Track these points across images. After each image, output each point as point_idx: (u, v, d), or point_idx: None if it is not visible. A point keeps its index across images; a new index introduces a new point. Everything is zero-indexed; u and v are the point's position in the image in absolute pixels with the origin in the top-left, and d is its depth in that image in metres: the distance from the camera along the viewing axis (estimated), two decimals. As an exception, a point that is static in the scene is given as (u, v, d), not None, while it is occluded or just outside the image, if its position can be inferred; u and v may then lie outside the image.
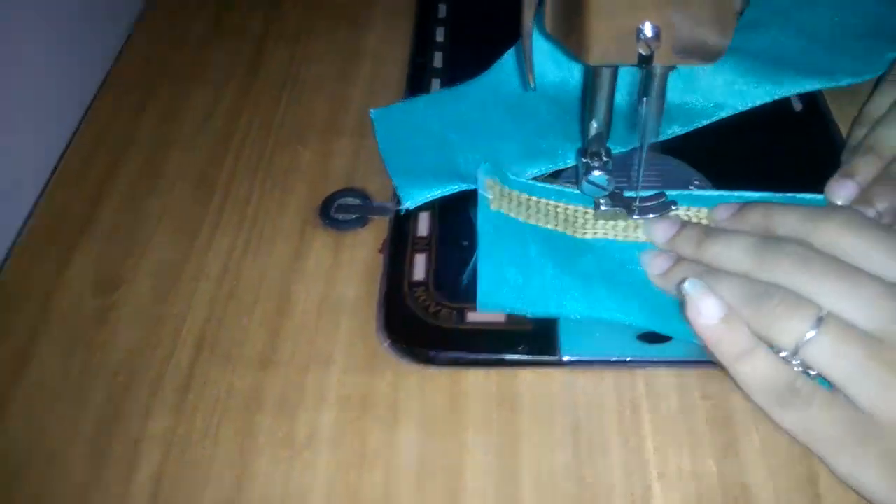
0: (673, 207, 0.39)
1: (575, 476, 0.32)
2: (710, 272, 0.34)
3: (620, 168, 0.38)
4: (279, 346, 0.37)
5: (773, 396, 0.31)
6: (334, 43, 0.54)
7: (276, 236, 0.42)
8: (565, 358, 0.35)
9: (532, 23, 0.32)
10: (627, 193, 0.39)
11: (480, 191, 0.39)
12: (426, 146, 0.45)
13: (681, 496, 0.31)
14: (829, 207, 0.37)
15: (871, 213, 0.36)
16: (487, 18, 0.52)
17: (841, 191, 0.38)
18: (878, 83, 0.44)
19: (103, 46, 0.56)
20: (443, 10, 0.55)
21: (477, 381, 0.35)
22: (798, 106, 0.45)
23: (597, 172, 0.36)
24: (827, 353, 0.30)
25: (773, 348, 0.32)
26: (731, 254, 0.34)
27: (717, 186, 0.41)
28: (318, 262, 0.41)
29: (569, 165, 0.43)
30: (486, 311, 0.36)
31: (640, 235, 0.39)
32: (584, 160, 0.37)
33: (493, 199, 0.39)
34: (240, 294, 0.39)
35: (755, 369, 0.31)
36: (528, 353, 0.35)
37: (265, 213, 0.43)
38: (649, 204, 0.39)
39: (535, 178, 0.42)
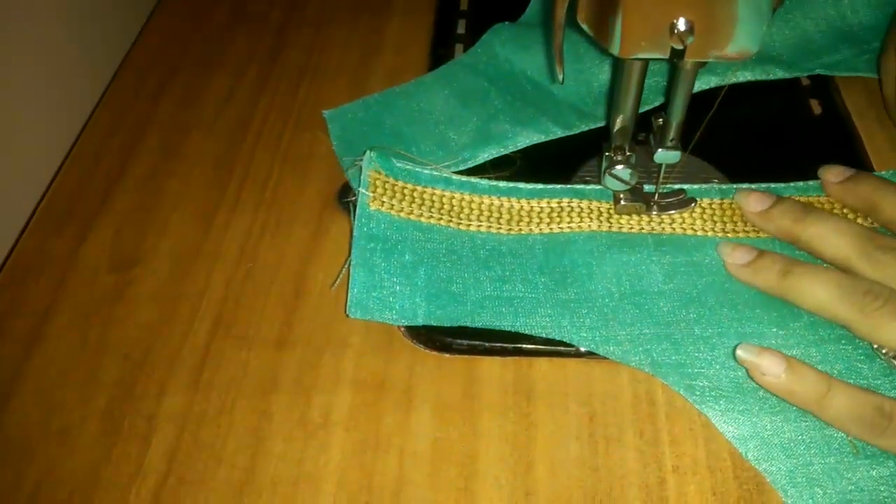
0: (692, 205, 0.39)
1: (589, 466, 0.32)
2: (803, 264, 0.34)
3: (639, 163, 0.38)
4: (295, 327, 0.37)
5: (867, 427, 0.30)
6: (355, 32, 0.54)
7: (294, 220, 0.42)
8: (582, 348, 0.35)
9: (564, 14, 0.32)
10: (647, 189, 0.39)
11: (361, 188, 0.39)
12: (379, 142, 0.45)
13: (696, 488, 0.31)
14: None
15: None
16: (508, 11, 0.52)
17: None
18: (879, 69, 0.44)
19: (123, 26, 0.56)
20: (464, 3, 0.55)
21: (493, 369, 0.35)
22: (817, 109, 0.45)
23: (620, 166, 0.36)
24: None
25: (874, 346, 0.32)
26: (834, 238, 0.34)
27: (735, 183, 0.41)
28: (335, 246, 0.41)
29: (518, 148, 0.44)
30: (359, 318, 0.36)
31: (533, 229, 0.39)
32: (607, 154, 0.37)
33: (375, 197, 0.39)
34: (256, 275, 0.39)
35: (839, 407, 0.30)
36: (544, 343, 0.35)
37: (283, 196, 0.43)
38: (669, 200, 0.39)
39: (485, 163, 0.44)
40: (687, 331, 0.35)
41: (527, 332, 0.36)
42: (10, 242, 0.43)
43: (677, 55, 0.30)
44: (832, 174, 0.38)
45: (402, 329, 0.37)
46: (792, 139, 0.44)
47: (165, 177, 0.45)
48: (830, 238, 0.34)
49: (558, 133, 0.44)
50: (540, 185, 0.41)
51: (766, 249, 0.36)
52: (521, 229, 0.39)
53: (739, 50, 0.30)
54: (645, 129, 0.42)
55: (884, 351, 0.32)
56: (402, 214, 0.39)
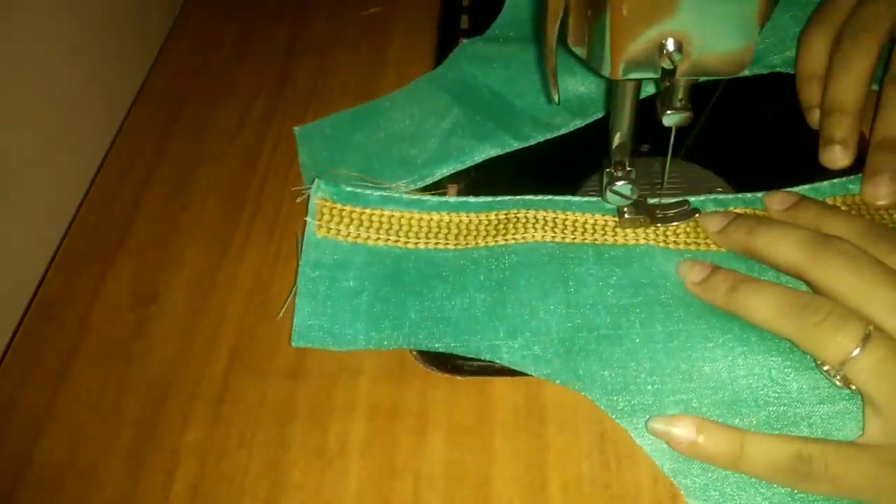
0: (696, 215, 0.39)
1: (601, 484, 0.32)
2: (750, 280, 0.34)
3: (642, 176, 0.39)
4: (309, 356, 0.38)
5: (790, 476, 0.30)
6: (359, 54, 0.55)
7: (305, 249, 0.43)
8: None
9: (555, 39, 0.32)
10: (651, 201, 0.39)
11: (308, 217, 0.41)
12: (345, 159, 0.46)
13: (708, 505, 0.31)
14: (886, 227, 0.36)
15: None
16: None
17: (831, 156, 0.40)
18: (799, 41, 0.45)
19: (135, 62, 0.57)
20: (465, 21, 0.56)
21: (504, 391, 0.36)
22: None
23: (620, 182, 0.37)
24: (869, 372, 0.29)
25: (816, 361, 0.32)
26: (783, 244, 0.34)
27: (738, 191, 0.41)
28: (346, 274, 0.41)
29: (476, 162, 0.45)
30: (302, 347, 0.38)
31: (479, 242, 0.39)
32: (608, 170, 0.37)
33: (321, 225, 0.40)
34: (270, 305, 0.40)
35: (756, 462, 0.30)
36: (554, 363, 0.36)
37: (295, 224, 0.44)
38: (673, 212, 0.39)
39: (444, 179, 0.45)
40: (616, 345, 0.35)
41: (462, 353, 0.36)
42: (35, 284, 0.44)
43: (668, 74, 0.30)
44: (777, 202, 0.38)
45: (414, 353, 0.37)
46: (793, 143, 0.44)
47: (179, 210, 0.46)
48: (778, 245, 0.34)
49: (515, 145, 0.45)
50: (489, 198, 0.41)
51: (722, 265, 0.36)
52: (467, 243, 0.40)
53: (729, 66, 0.30)
54: (648, 140, 0.43)
55: (825, 367, 0.32)
56: (349, 239, 0.40)
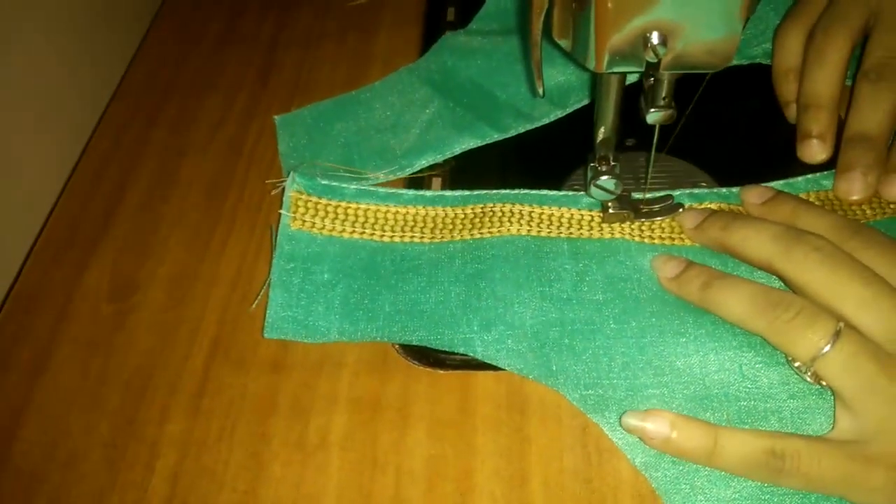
0: (681, 210, 0.39)
1: (583, 477, 0.32)
2: (723, 277, 0.34)
3: (627, 170, 0.39)
4: (291, 349, 0.38)
5: (764, 471, 0.30)
6: (343, 47, 0.55)
7: (288, 241, 0.43)
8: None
9: (540, 32, 0.32)
10: (635, 196, 0.39)
11: (282, 210, 0.41)
12: (325, 148, 0.46)
13: (688, 498, 0.31)
14: (859, 224, 0.35)
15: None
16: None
17: (809, 150, 0.41)
18: (774, 38, 0.46)
19: (117, 52, 0.57)
20: (451, 14, 0.55)
21: (486, 384, 0.36)
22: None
23: (605, 177, 0.37)
24: (839, 368, 0.29)
25: (788, 358, 0.32)
26: (757, 239, 0.34)
27: (722, 185, 0.41)
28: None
29: (456, 153, 0.45)
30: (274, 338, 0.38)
31: (455, 236, 0.39)
32: (592, 164, 0.37)
33: (296, 217, 0.41)
34: (252, 298, 0.40)
35: (730, 458, 0.30)
36: (536, 357, 0.36)
37: (277, 218, 0.44)
38: (657, 206, 0.39)
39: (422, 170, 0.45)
40: (589, 340, 0.35)
41: (436, 346, 0.36)
42: (13, 274, 0.44)
43: (653, 67, 0.30)
44: (754, 195, 0.38)
45: (397, 347, 0.37)
46: (777, 137, 0.44)
47: (161, 202, 0.46)
48: (752, 241, 0.34)
49: (494, 136, 0.45)
50: (466, 192, 0.41)
51: (695, 261, 0.36)
52: (443, 237, 0.40)
53: (714, 60, 0.30)
54: (633, 135, 0.43)
55: (796, 364, 0.32)
56: (323, 232, 0.40)
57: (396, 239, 0.40)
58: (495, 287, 0.37)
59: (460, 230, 0.40)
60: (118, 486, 0.35)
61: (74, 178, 0.48)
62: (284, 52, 0.55)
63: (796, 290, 0.33)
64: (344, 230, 0.40)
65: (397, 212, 0.41)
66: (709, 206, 0.39)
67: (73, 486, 0.35)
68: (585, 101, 0.46)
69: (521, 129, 0.46)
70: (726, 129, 0.44)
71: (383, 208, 0.41)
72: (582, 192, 0.40)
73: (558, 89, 0.47)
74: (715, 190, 0.40)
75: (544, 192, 0.41)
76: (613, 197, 0.38)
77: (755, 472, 0.30)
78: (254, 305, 0.39)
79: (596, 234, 0.39)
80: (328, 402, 0.36)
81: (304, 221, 0.41)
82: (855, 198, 0.38)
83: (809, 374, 0.32)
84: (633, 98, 0.35)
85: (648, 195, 0.39)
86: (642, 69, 0.31)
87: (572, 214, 0.40)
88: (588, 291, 0.37)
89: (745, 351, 0.33)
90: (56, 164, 0.49)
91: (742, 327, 0.33)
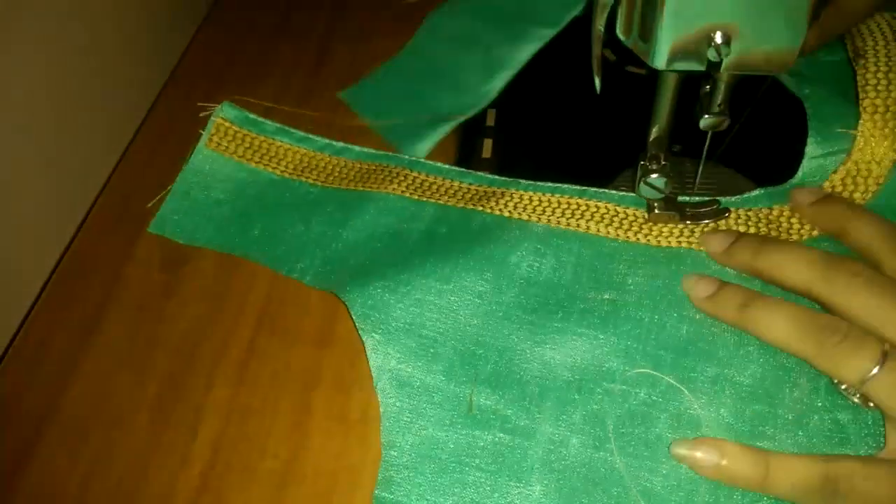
0: (726, 215, 0.39)
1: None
2: (761, 297, 0.34)
3: (672, 174, 0.39)
4: (336, 325, 0.39)
5: (816, 496, 0.29)
6: (396, 43, 0.55)
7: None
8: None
9: (602, 27, 0.33)
10: (681, 199, 0.40)
11: (203, 130, 0.46)
12: (399, 106, 0.50)
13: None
14: None
15: None
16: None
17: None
18: None
19: (174, 38, 0.58)
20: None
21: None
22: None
23: (654, 175, 0.37)
24: (889, 389, 0.29)
25: (835, 381, 0.32)
26: (794, 266, 0.33)
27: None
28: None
29: (524, 63, 0.48)
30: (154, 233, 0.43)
31: (342, 185, 0.43)
32: (642, 163, 0.38)
33: (213, 140, 0.46)
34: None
35: (783, 482, 0.30)
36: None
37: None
38: (703, 210, 0.39)
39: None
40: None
41: (272, 267, 0.41)
42: (68, 239, 0.45)
43: (714, 67, 0.31)
44: (805, 195, 0.37)
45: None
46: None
47: (214, 180, 0.47)
48: (788, 267, 0.33)
49: (550, 34, 0.48)
50: (372, 150, 0.45)
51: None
52: (331, 182, 0.44)
53: (776, 62, 0.31)
54: (680, 141, 0.43)
55: (843, 386, 0.32)
56: (234, 157, 0.46)
57: (295, 177, 0.45)
58: (350, 233, 0.41)
59: (349, 181, 0.44)
60: (162, 447, 0.35)
61: (129, 153, 0.49)
62: (337, 46, 0.56)
63: (837, 313, 0.32)
64: (251, 159, 0.46)
65: (304, 154, 0.46)
66: (732, 224, 0.39)
67: (117, 445, 0.36)
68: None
69: (569, 19, 0.48)
70: (773, 139, 0.45)
71: (294, 148, 0.46)
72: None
73: None
74: (761, 191, 0.40)
75: (430, 162, 0.44)
76: (662, 196, 0.38)
77: (808, 497, 0.30)
78: (150, 204, 0.44)
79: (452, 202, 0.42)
80: (370, 379, 0.36)
81: (219, 145, 0.46)
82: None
83: (857, 396, 0.31)
84: (686, 103, 0.36)
85: (695, 198, 0.40)
86: (703, 68, 0.31)
87: (443, 182, 0.43)
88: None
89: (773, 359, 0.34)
90: (112, 140, 0.51)
91: (784, 350, 0.33)
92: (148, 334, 0.39)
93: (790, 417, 0.32)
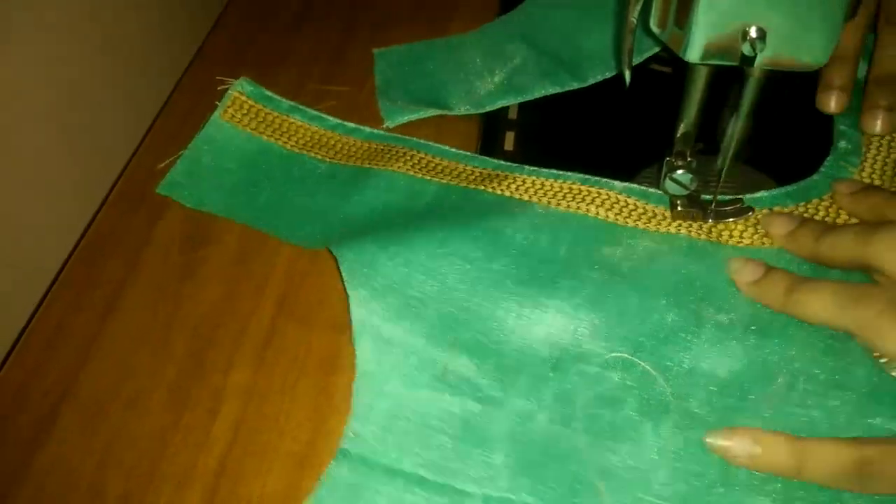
0: (750, 214, 0.39)
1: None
2: (805, 280, 0.34)
3: (695, 172, 0.39)
4: (356, 311, 0.38)
5: (855, 481, 0.29)
6: (418, 32, 0.55)
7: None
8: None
9: (635, 19, 0.33)
10: (705, 197, 0.40)
11: (218, 101, 0.48)
12: (415, 82, 0.51)
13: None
14: None
15: None
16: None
17: (827, 100, 0.41)
18: None
19: (197, 21, 0.58)
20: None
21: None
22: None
23: (680, 171, 0.37)
24: None
25: (873, 354, 0.32)
26: (843, 242, 0.34)
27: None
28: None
29: (536, 97, 0.48)
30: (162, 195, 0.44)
31: (350, 162, 0.44)
32: (668, 158, 0.38)
33: (227, 112, 0.47)
34: (320, 259, 0.41)
35: (818, 469, 0.30)
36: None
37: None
38: (727, 209, 0.39)
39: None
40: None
41: (275, 235, 0.42)
42: (88, 219, 0.45)
43: (747, 62, 0.31)
44: (845, 186, 0.38)
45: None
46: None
47: (234, 164, 0.47)
48: (839, 245, 0.34)
49: (574, 85, 0.48)
50: (382, 132, 0.47)
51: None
52: (339, 159, 0.45)
53: (810, 59, 0.31)
54: (705, 140, 0.43)
55: (883, 360, 0.31)
56: (247, 129, 0.47)
57: (305, 152, 0.46)
58: (352, 207, 0.42)
59: (357, 158, 0.45)
60: (180, 429, 0.35)
61: (151, 135, 0.49)
62: (359, 32, 0.56)
63: (887, 277, 0.32)
64: (264, 133, 0.47)
65: (315, 131, 0.47)
66: (780, 210, 0.39)
67: (135, 424, 0.36)
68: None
69: (600, 78, 0.48)
70: (794, 138, 0.45)
71: (305, 125, 0.47)
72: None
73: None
74: (783, 189, 0.40)
75: (433, 143, 0.45)
76: (686, 193, 0.38)
77: (843, 481, 0.30)
78: (162, 164, 0.46)
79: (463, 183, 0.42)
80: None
81: (234, 117, 0.47)
82: (878, 132, 0.40)
83: None
84: (712, 101, 0.36)
85: (719, 196, 0.39)
86: (736, 63, 0.31)
87: (448, 164, 0.44)
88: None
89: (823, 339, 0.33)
90: (136, 121, 0.51)
91: (829, 327, 0.33)
92: (167, 315, 0.39)
93: (767, 416, 0.32)
